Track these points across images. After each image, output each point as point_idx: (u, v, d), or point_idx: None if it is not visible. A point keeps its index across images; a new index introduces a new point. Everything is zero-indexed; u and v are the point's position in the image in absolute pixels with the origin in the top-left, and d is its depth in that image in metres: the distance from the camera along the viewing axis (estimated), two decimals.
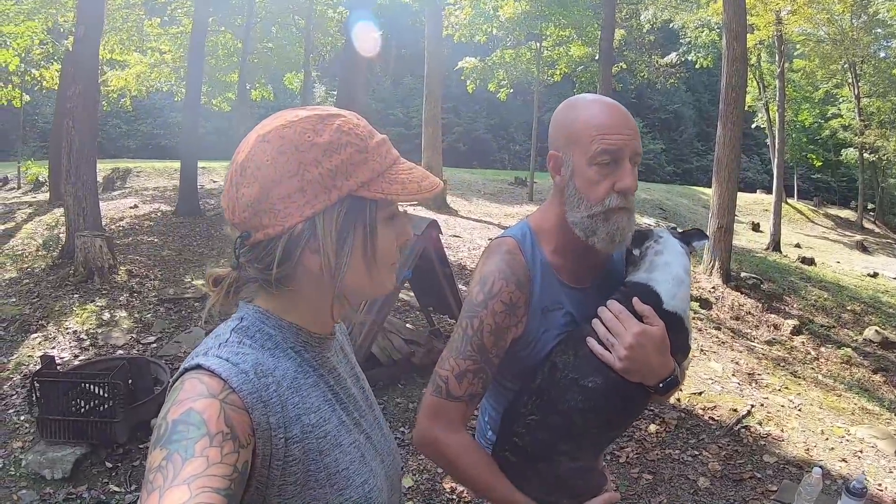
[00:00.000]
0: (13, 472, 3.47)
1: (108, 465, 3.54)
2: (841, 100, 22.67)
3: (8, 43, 13.02)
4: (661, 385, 1.22)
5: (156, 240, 8.77)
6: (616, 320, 1.21)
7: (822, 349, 7.89)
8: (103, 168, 14.39)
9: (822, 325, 8.79)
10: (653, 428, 4.54)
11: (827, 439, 4.81)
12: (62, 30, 13.69)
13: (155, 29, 14.60)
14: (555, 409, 1.23)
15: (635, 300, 1.21)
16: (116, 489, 3.36)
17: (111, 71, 16.09)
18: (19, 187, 14.78)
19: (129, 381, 3.88)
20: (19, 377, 4.62)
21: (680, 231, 1.36)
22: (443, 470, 1.39)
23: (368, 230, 0.82)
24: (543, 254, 1.33)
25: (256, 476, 0.74)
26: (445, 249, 5.27)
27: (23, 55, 13.48)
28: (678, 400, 5.11)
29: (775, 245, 14.31)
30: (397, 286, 4.64)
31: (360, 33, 8.85)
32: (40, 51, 14.09)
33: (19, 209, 11.12)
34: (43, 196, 12.65)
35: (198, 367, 0.74)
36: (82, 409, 3.65)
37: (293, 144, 0.78)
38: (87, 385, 3.69)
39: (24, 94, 15.19)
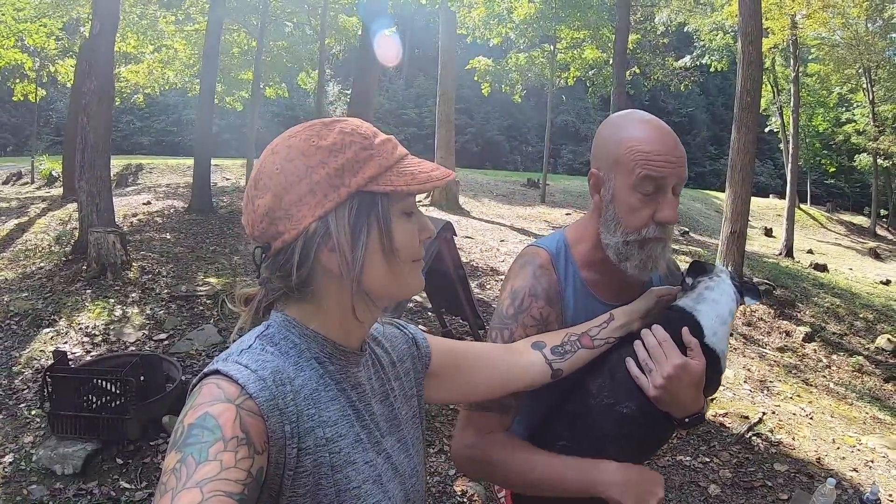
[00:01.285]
0: (24, 467, 3.49)
1: (119, 461, 3.56)
2: (855, 105, 22.51)
3: (24, 41, 13.15)
4: (686, 420, 1.21)
5: (168, 237, 8.82)
6: (659, 347, 1.18)
7: (834, 357, 7.82)
8: (116, 164, 14.47)
9: (834, 333, 8.71)
10: None
11: (838, 448, 4.77)
12: (79, 21, 13.78)
13: (169, 26, 14.68)
14: (588, 435, 1.21)
15: (685, 331, 1.18)
16: (127, 486, 3.37)
17: (125, 66, 16.21)
18: (33, 182, 14.91)
19: (142, 378, 3.90)
20: (31, 372, 4.65)
21: (739, 279, 1.33)
22: (484, 478, 1.37)
23: (383, 224, 0.82)
24: (578, 269, 1.31)
25: (269, 484, 0.74)
26: (458, 251, 5.26)
27: (39, 50, 13.60)
28: None
29: (788, 251, 14.21)
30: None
31: (383, 44, 8.88)
32: (55, 45, 14.21)
33: (32, 204, 11.21)
34: (56, 191, 12.76)
35: (217, 372, 0.75)
36: (94, 405, 3.67)
37: (299, 151, 0.80)
38: (99, 381, 3.70)
39: (38, 89, 15.33)
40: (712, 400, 1.19)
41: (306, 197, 0.79)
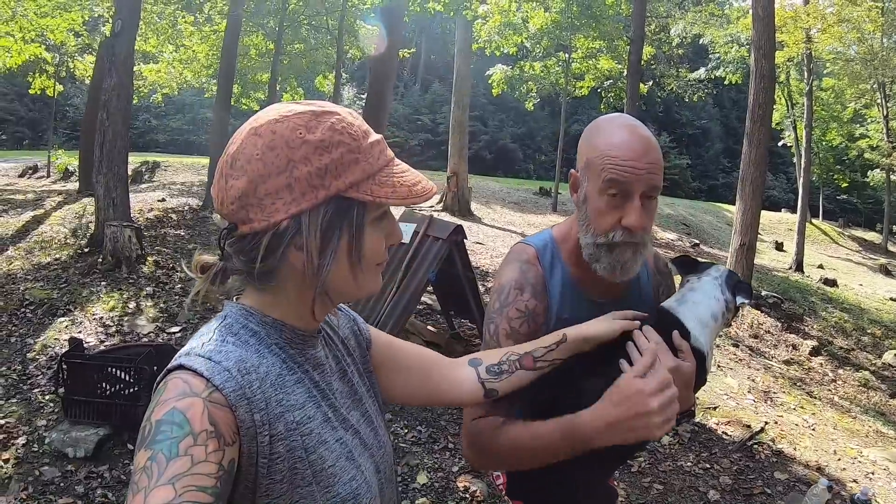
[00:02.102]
0: (36, 449, 3.59)
1: (130, 447, 3.65)
2: (869, 120, 22.38)
3: (45, 37, 13.33)
4: (678, 417, 1.22)
5: (182, 233, 8.94)
6: (652, 350, 1.19)
7: (840, 371, 7.81)
8: (133, 161, 14.60)
9: (841, 348, 8.70)
10: (666, 439, 4.55)
11: (839, 459, 4.79)
12: (99, 17, 13.95)
13: (188, 27, 14.87)
14: None
15: (675, 335, 1.20)
16: None
17: (144, 65, 16.41)
18: (48, 175, 15.09)
19: (155, 368, 3.98)
20: (45, 359, 4.76)
21: (734, 278, 1.32)
22: (496, 463, 1.34)
23: (355, 231, 0.81)
24: (564, 265, 1.34)
25: (243, 474, 0.74)
26: (468, 255, 5.33)
27: (59, 46, 13.78)
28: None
29: (798, 265, 14.15)
30: (422, 288, 4.70)
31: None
32: (75, 42, 14.37)
33: (48, 197, 11.36)
34: (72, 185, 12.92)
35: (180, 366, 0.74)
36: (107, 392, 3.76)
37: (284, 140, 0.77)
38: (114, 369, 3.80)
39: (56, 84, 15.50)
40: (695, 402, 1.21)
41: (283, 191, 0.77)
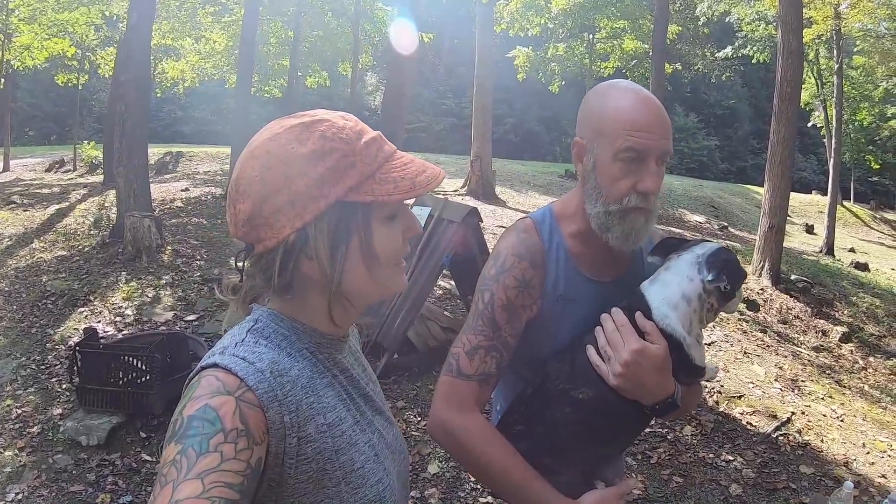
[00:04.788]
0: (51, 437, 3.62)
1: (143, 434, 3.66)
2: None
3: (67, 30, 13.53)
4: (657, 406, 1.17)
5: (204, 221, 9.00)
6: (616, 332, 1.16)
7: (871, 359, 7.58)
8: (156, 152, 14.82)
9: (872, 334, 8.44)
10: (688, 430, 4.44)
11: (868, 453, 4.62)
12: (116, 17, 14.13)
13: (207, 18, 14.91)
14: (541, 420, 1.19)
15: (638, 315, 1.16)
16: (148, 458, 3.47)
17: (167, 61, 16.53)
18: (75, 169, 15.33)
19: (168, 356, 3.99)
20: (63, 349, 4.80)
21: (720, 256, 1.21)
22: (455, 457, 1.29)
23: (363, 234, 0.82)
24: (563, 239, 1.29)
25: (269, 473, 0.75)
26: (491, 239, 5.24)
27: (81, 41, 13.96)
28: (716, 402, 4.99)
29: (829, 248, 13.81)
30: (436, 273, 4.64)
31: (398, 31, 8.88)
32: (96, 36, 14.58)
33: (74, 190, 11.53)
34: (97, 178, 13.10)
35: (214, 365, 0.76)
36: (121, 381, 3.78)
37: (278, 157, 0.78)
38: (127, 357, 3.81)
39: (80, 76, 15.71)
40: (713, 376, 1.11)
41: (285, 208, 0.78)
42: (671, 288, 1.17)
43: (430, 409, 1.25)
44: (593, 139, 1.21)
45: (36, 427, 3.71)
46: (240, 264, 0.85)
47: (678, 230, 13.38)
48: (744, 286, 1.29)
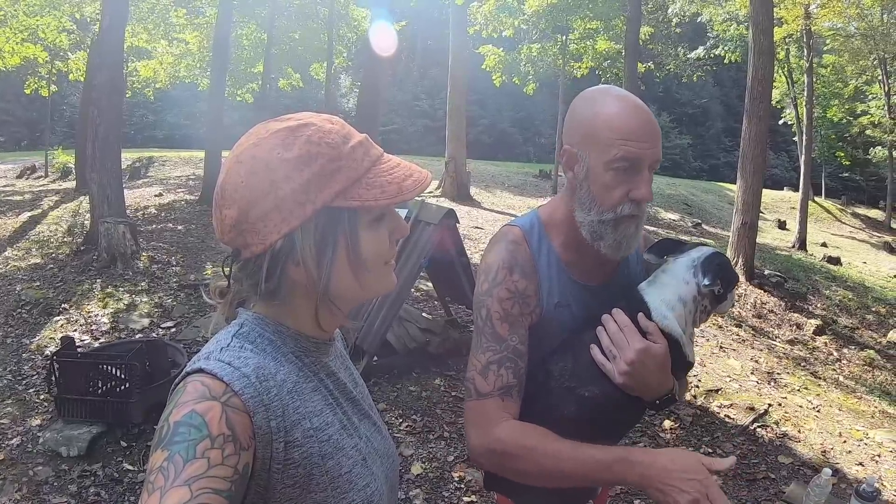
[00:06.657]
0: (30, 449, 3.56)
1: (123, 443, 3.61)
2: (871, 97, 22.15)
3: (37, 35, 13.27)
4: (657, 402, 1.21)
5: (180, 227, 8.90)
6: (620, 333, 1.18)
7: (845, 350, 7.74)
8: (129, 157, 14.61)
9: (845, 326, 8.62)
10: (667, 424, 4.50)
11: (845, 442, 4.73)
12: (89, 20, 13.90)
13: (180, 19, 14.74)
14: (546, 418, 1.20)
15: (640, 316, 1.19)
16: (130, 467, 3.43)
17: (139, 61, 16.29)
18: (46, 175, 15.06)
19: (146, 363, 3.94)
20: (40, 358, 4.72)
21: (715, 260, 1.25)
22: (509, 475, 1.20)
23: (349, 239, 0.81)
24: (552, 246, 1.30)
25: (256, 479, 0.74)
26: (466, 240, 5.26)
27: (51, 46, 13.70)
28: (693, 397, 5.06)
29: (801, 243, 14.06)
30: (414, 275, 4.64)
31: (377, 33, 8.86)
32: (67, 39, 14.32)
33: (46, 196, 11.33)
34: (69, 184, 12.89)
35: (200, 370, 0.75)
36: (100, 390, 3.72)
37: (264, 163, 0.77)
38: (105, 366, 3.76)
39: (51, 84, 15.43)
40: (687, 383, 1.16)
41: (271, 213, 0.77)
42: (669, 290, 1.22)
43: (468, 445, 1.22)
44: (584, 147, 1.21)
45: (15, 439, 3.64)
46: (227, 269, 0.84)
47: (653, 228, 13.53)
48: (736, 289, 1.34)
